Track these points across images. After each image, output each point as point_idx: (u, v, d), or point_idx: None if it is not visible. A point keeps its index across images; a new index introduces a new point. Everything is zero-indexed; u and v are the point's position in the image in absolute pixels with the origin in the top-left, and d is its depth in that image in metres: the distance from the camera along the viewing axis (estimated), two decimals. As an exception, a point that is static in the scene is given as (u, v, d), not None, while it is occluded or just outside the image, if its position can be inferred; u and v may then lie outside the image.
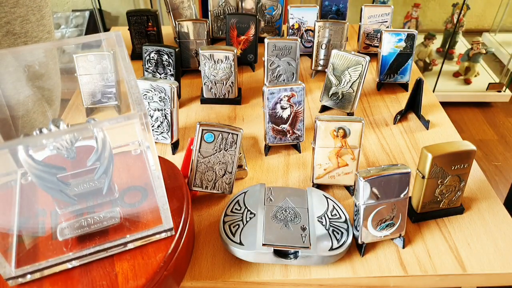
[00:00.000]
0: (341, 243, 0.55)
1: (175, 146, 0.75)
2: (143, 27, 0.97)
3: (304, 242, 0.54)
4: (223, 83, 0.84)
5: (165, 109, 0.71)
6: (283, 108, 0.71)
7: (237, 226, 0.56)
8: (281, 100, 0.70)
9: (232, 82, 0.84)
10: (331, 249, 0.54)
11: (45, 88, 0.82)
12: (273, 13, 1.04)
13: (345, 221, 0.58)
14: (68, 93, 0.93)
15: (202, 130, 0.61)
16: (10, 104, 0.72)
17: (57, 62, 0.85)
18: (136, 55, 0.98)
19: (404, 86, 0.93)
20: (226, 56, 0.81)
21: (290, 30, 1.01)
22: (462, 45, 2.34)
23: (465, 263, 0.56)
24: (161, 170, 0.45)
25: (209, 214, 0.63)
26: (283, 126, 0.72)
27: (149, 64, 0.84)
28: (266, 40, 0.84)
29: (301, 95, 0.70)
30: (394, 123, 0.83)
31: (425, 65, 2.20)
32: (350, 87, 0.79)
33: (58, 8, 2.32)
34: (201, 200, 0.65)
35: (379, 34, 0.99)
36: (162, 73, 0.85)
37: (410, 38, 0.85)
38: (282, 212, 0.58)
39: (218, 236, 0.59)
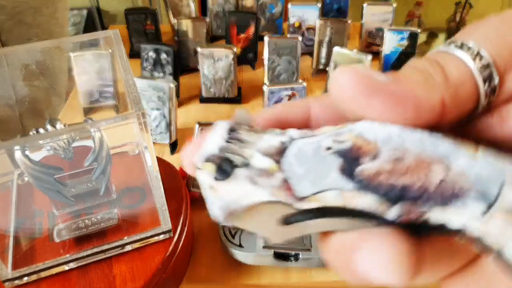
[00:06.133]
0: (342, 244, 0.54)
1: (173, 146, 0.74)
2: (141, 25, 0.96)
3: (305, 244, 0.53)
4: (223, 82, 0.83)
5: (163, 109, 0.70)
6: (283, 108, 0.70)
7: (237, 228, 0.55)
8: (281, 99, 0.69)
9: (231, 81, 0.83)
10: (332, 251, 0.53)
11: (51, 86, 0.81)
12: (274, 11, 1.03)
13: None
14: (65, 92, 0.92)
15: (201, 130, 0.60)
16: (12, 103, 0.72)
17: (61, 60, 0.84)
18: (134, 54, 0.97)
19: (406, 85, 0.92)
20: (225, 55, 0.80)
21: (291, 28, 1.00)
22: (463, 44, 2.33)
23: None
24: (159, 171, 0.44)
25: (208, 215, 0.62)
26: (284, 125, 0.71)
27: (147, 63, 0.83)
28: (266, 39, 0.83)
29: (302, 95, 0.69)
30: (396, 123, 0.82)
31: (426, 64, 2.19)
32: (351, 86, 0.79)
33: (57, 6, 2.31)
34: (200, 201, 0.64)
35: (381, 33, 0.99)
36: (161, 72, 0.84)
37: (413, 36, 0.84)
38: (283, 213, 0.57)
39: (217, 238, 0.58)
